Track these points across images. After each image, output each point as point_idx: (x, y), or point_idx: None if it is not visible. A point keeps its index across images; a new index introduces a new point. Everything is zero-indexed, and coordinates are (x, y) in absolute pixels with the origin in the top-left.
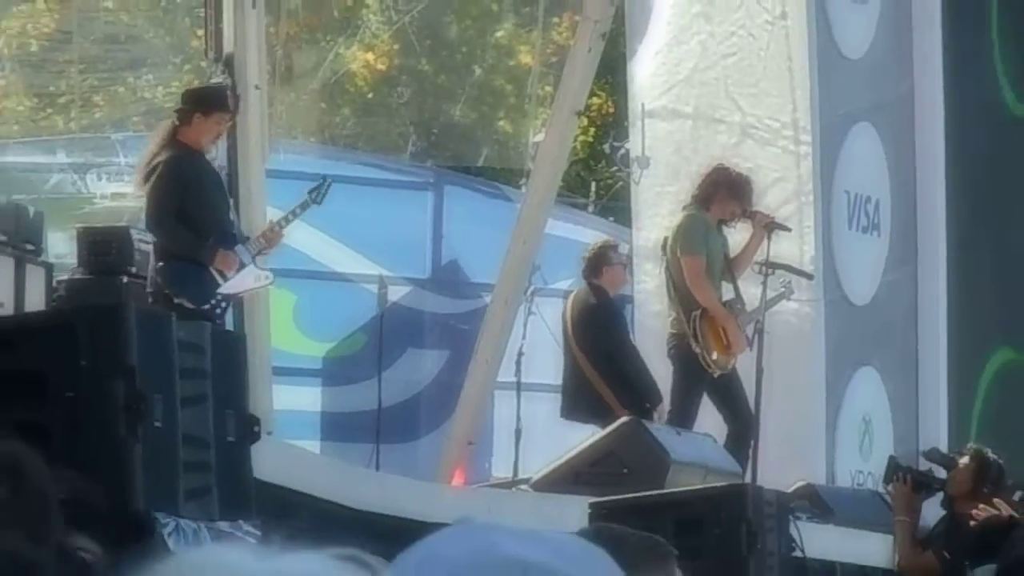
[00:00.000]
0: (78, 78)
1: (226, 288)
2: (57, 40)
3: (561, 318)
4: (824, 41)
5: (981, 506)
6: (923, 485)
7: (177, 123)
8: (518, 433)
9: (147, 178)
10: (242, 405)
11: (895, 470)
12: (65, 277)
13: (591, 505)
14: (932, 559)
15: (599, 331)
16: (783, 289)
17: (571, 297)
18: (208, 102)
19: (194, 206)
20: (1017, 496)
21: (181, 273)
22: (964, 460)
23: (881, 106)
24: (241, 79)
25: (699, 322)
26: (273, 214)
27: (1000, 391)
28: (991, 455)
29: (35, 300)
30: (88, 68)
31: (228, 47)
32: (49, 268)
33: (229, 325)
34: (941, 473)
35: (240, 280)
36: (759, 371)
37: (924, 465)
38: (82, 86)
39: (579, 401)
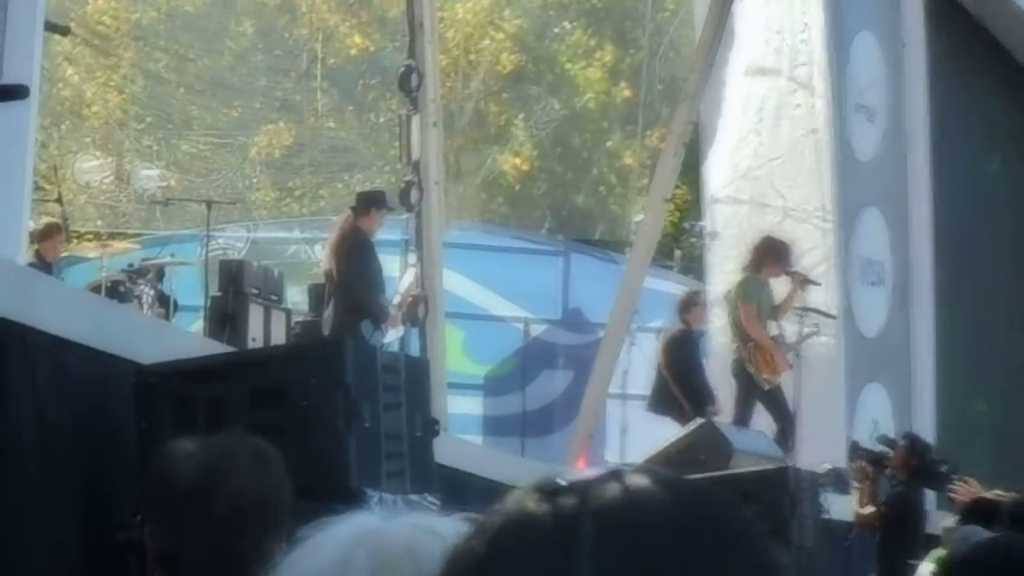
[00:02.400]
0: (309, 177)
1: (385, 339)
2: (294, 150)
3: (656, 346)
4: (843, 148)
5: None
6: (874, 461)
7: (356, 214)
8: (623, 430)
9: (342, 252)
10: (426, 410)
11: (855, 451)
12: (300, 319)
13: None
14: (874, 514)
15: (680, 353)
16: (814, 328)
17: (666, 331)
18: (381, 201)
19: (374, 277)
20: (943, 468)
21: (367, 328)
22: (902, 442)
23: (885, 195)
24: (425, 177)
25: (753, 351)
26: (448, 274)
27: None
28: (921, 438)
29: (278, 336)
30: (316, 170)
31: (416, 154)
32: (288, 313)
33: (416, 349)
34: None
35: (392, 333)
36: (797, 386)
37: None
38: (312, 183)
39: (661, 401)
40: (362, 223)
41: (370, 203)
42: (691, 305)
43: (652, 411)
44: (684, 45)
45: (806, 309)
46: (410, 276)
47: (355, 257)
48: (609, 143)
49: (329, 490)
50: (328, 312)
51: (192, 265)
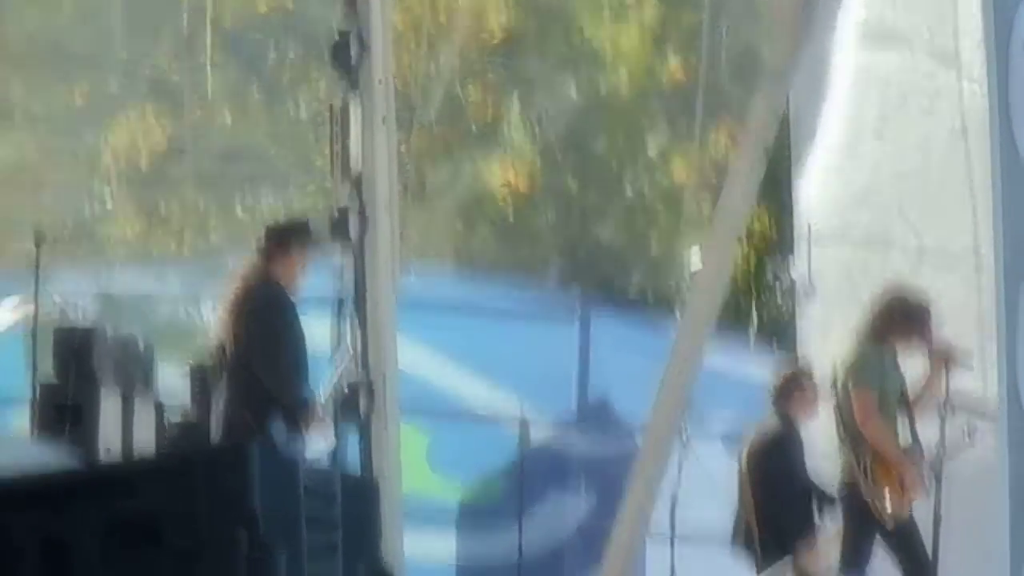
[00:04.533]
0: (192, 197)
1: (309, 448)
2: (170, 155)
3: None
4: (1009, 156)
5: None
6: None
7: (265, 256)
8: None
9: (243, 315)
10: (375, 557)
11: None
12: (178, 418)
13: None
14: None
15: (780, 467)
16: (966, 431)
17: (756, 432)
18: (303, 234)
19: (292, 352)
20: None
21: (279, 431)
22: None
23: None
24: (370, 199)
25: (871, 467)
26: (406, 347)
27: None
28: None
29: (144, 441)
30: (203, 186)
31: (356, 164)
32: (160, 407)
33: (356, 462)
34: None
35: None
36: (937, 518)
37: None
38: (196, 207)
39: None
40: (275, 269)
41: (287, 238)
42: (793, 389)
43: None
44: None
45: (953, 404)
46: (348, 349)
47: (263, 322)
48: (651, 147)
49: None
50: (220, 406)
51: (11, 333)
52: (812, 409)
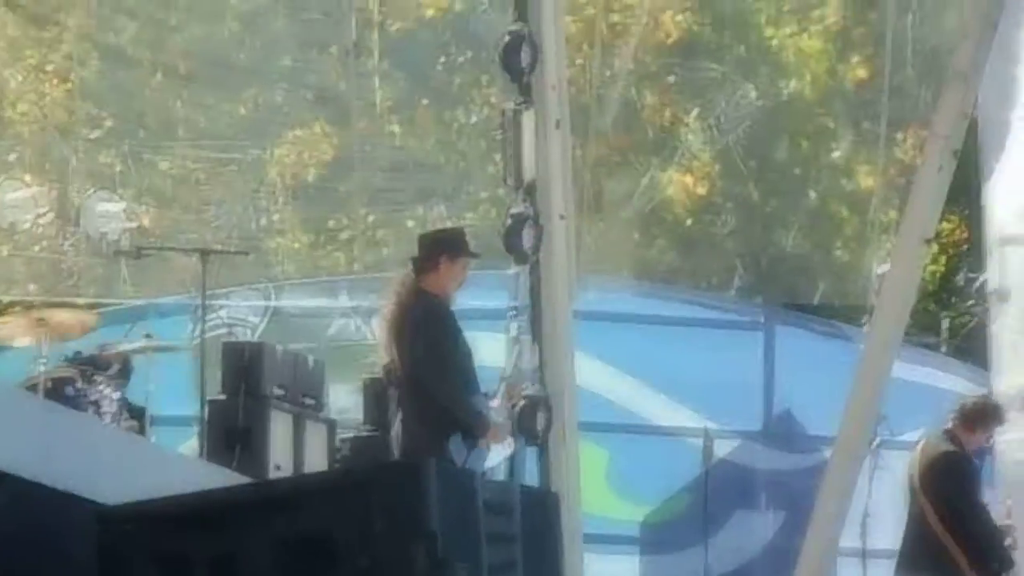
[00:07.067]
0: (361, 211)
1: (487, 463)
2: (337, 169)
3: (908, 466)
4: None
5: None
6: None
7: (417, 270)
8: None
9: (406, 330)
10: (555, 573)
11: None
12: (350, 435)
13: None
14: None
15: (953, 482)
16: None
17: (921, 443)
18: (455, 245)
19: (459, 365)
20: None
21: (456, 445)
22: None
23: None
24: (544, 208)
25: None
26: (583, 361)
27: None
28: None
29: (316, 461)
30: (372, 200)
31: (529, 173)
32: (331, 424)
33: (534, 480)
34: None
35: (498, 452)
36: None
37: None
38: (366, 220)
39: (919, 558)
40: (427, 282)
41: (438, 250)
42: (982, 418)
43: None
44: None
45: None
46: (522, 362)
47: (423, 336)
48: (835, 152)
49: None
50: (396, 423)
51: (179, 351)
52: (982, 443)
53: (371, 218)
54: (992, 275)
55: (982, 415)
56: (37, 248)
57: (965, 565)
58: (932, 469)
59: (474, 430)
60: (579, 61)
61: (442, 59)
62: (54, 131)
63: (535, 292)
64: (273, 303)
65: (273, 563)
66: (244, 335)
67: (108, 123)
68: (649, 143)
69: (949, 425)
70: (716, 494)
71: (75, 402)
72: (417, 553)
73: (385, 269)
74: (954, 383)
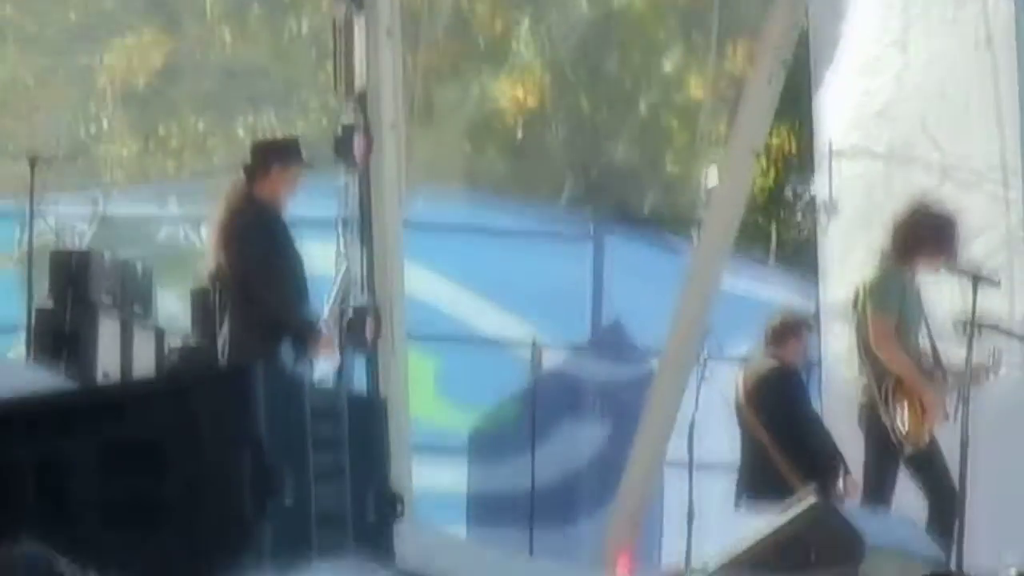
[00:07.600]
0: (191, 118)
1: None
2: (167, 76)
3: (735, 390)
4: None
5: None
6: None
7: (249, 176)
8: (690, 516)
9: (232, 237)
10: (383, 480)
11: None
12: (180, 342)
13: None
14: None
15: (778, 397)
16: (991, 354)
17: (745, 367)
18: (287, 153)
19: (290, 275)
20: None
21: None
22: None
23: None
24: (375, 117)
25: (891, 390)
26: (413, 271)
27: None
28: None
29: (144, 367)
30: (202, 106)
31: (360, 81)
32: (160, 332)
33: (362, 388)
34: None
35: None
36: (964, 443)
37: None
38: (196, 127)
39: (756, 480)
40: (260, 190)
41: (271, 158)
42: (787, 336)
43: (746, 498)
44: None
45: (979, 324)
46: (351, 272)
47: (252, 244)
48: (665, 63)
49: None
50: (224, 330)
51: (6, 258)
52: (804, 355)
53: (201, 125)
54: (821, 188)
55: (790, 329)
56: None
57: (796, 479)
58: (758, 387)
59: (304, 338)
60: None
61: None
62: None
63: (364, 201)
64: (102, 210)
65: (99, 468)
66: (72, 242)
67: None
68: (480, 52)
69: (766, 344)
70: (544, 404)
71: None
72: (243, 460)
73: (215, 176)
74: (783, 296)
